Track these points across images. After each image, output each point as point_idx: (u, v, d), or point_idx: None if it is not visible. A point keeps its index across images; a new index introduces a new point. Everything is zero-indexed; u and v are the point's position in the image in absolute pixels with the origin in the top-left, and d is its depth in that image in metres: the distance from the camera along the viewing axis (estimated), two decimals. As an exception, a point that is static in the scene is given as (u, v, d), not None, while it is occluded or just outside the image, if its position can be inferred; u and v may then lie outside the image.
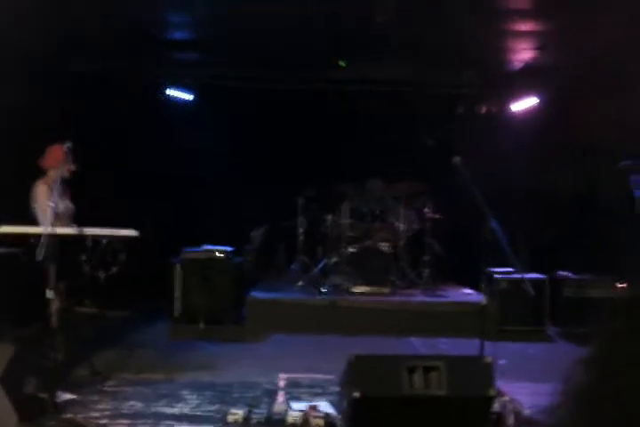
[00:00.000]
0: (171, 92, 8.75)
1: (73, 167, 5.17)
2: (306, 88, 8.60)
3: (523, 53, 7.60)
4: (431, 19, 6.44)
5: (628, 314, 1.06)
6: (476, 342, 4.85)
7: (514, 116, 8.83)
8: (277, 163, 8.84)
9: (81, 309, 6.38)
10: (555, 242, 8.08)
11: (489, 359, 4.01)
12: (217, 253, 7.40)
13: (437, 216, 8.32)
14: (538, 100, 8.51)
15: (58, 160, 4.97)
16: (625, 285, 6.78)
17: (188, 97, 8.90)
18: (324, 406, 4.30)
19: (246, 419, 3.93)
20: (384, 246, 8.00)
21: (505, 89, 8.75)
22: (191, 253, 7.43)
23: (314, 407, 4.16)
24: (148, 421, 4.07)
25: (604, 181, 6.71)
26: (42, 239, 4.43)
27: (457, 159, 4.91)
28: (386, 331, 6.92)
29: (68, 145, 4.88)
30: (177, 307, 7.19)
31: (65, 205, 5.23)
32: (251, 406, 4.18)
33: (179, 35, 7.62)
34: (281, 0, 6.02)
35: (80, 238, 5.02)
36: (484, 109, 8.95)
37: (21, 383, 3.99)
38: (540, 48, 7.20)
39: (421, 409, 3.84)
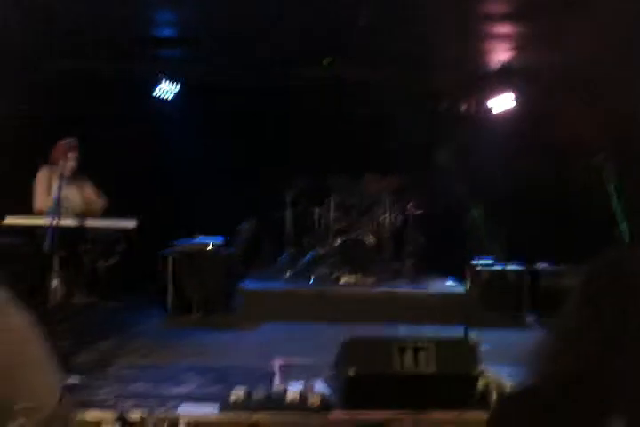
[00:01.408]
0: (158, 88, 8.90)
1: (73, 162, 5.36)
2: (292, 84, 8.82)
3: (500, 54, 7.87)
4: (408, 22, 6.68)
5: (609, 271, 1.35)
6: (459, 329, 5.11)
7: (493, 113, 9.11)
8: (267, 157, 9.05)
9: (77, 299, 6.55)
10: (534, 234, 8.39)
11: (474, 340, 4.30)
12: (207, 246, 7.63)
13: (419, 211, 8.63)
14: (515, 99, 8.78)
15: (61, 155, 5.18)
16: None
17: (176, 93, 9.03)
18: (319, 386, 4.56)
19: (248, 397, 4.18)
20: (369, 239, 8.29)
21: (483, 88, 9.03)
22: (182, 245, 7.65)
23: (310, 387, 4.43)
24: (154, 400, 4.30)
25: (580, 175, 7.02)
26: (47, 230, 4.64)
27: (443, 154, 5.19)
28: (372, 319, 7.16)
29: (70, 141, 5.11)
30: (170, 298, 7.40)
31: (67, 197, 5.40)
32: (251, 386, 4.43)
33: (166, 32, 7.80)
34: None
35: (81, 229, 5.22)
36: (464, 107, 9.25)
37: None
38: (517, 48, 7.48)
39: (411, 386, 4.12)
